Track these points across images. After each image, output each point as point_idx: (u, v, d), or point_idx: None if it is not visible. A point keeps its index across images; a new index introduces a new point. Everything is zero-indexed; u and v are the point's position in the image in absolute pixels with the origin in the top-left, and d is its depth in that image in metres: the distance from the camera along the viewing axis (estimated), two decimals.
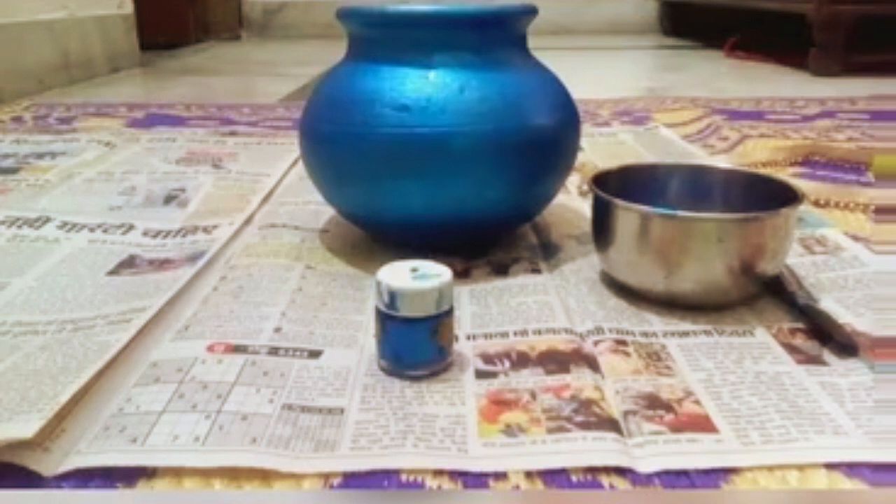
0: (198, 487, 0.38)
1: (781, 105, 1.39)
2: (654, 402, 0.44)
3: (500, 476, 0.38)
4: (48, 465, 0.39)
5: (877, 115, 1.27)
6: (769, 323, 0.53)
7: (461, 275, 0.62)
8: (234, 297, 0.57)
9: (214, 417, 0.42)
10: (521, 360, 0.49)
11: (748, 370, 0.47)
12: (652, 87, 1.74)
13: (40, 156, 1.04)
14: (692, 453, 0.39)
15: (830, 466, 0.38)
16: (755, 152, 1.00)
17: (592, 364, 0.48)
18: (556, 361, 0.48)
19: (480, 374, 0.47)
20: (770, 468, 0.38)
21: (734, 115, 1.27)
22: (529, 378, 0.46)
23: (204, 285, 0.60)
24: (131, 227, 0.74)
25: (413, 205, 0.60)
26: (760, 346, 0.50)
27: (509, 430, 0.41)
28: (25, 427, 0.39)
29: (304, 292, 0.59)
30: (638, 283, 0.57)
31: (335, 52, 0.72)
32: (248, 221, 0.76)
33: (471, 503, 0.37)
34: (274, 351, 0.50)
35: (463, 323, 0.54)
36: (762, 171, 0.87)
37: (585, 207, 0.75)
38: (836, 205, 0.78)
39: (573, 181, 0.86)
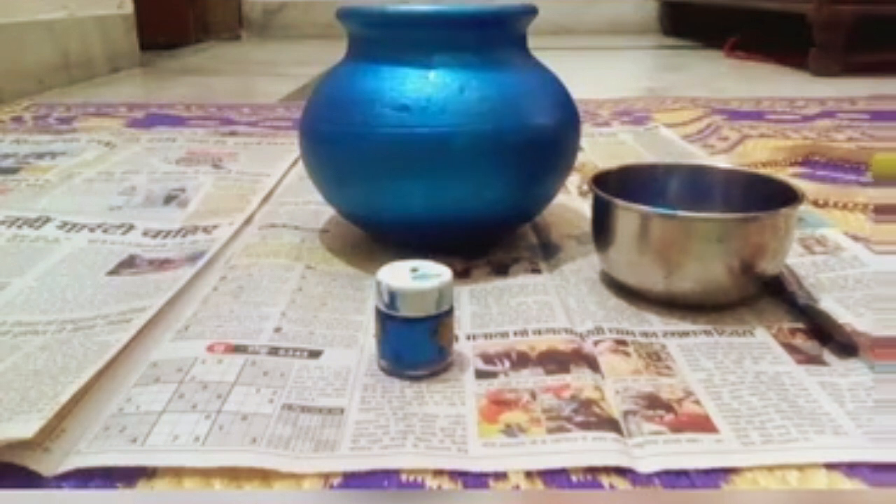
0: (198, 487, 0.38)
1: (781, 105, 1.39)
2: (654, 402, 0.44)
3: (500, 476, 0.38)
4: (48, 465, 0.39)
5: (877, 115, 1.27)
6: (769, 323, 0.53)
7: (461, 275, 0.62)
8: (234, 297, 0.57)
9: (214, 417, 0.42)
10: (521, 360, 0.49)
11: (748, 370, 0.47)
12: (652, 87, 1.74)
13: (40, 156, 1.04)
14: (692, 453, 0.39)
15: (830, 466, 0.38)
16: (755, 152, 1.00)
17: (592, 364, 0.48)
18: (556, 361, 0.48)
19: (480, 374, 0.47)
20: (770, 468, 0.38)
21: (734, 115, 1.27)
22: (529, 378, 0.46)
23: (204, 285, 0.60)
24: (131, 227, 0.74)
25: (413, 205, 0.60)
26: (760, 346, 0.50)
27: (509, 430, 0.41)
28: (25, 427, 0.39)
29: (304, 292, 0.59)
30: (638, 283, 0.57)
31: (335, 52, 0.72)
32: (248, 221, 0.76)
33: (471, 503, 0.37)
34: (274, 351, 0.50)
35: (463, 323, 0.54)
36: (762, 171, 0.87)
37: (585, 207, 0.75)
38: (836, 205, 0.78)
39: (573, 181, 0.86)
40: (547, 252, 0.67)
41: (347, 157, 0.60)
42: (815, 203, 0.78)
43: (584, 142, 1.03)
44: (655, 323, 0.54)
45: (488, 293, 0.59)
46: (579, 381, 0.46)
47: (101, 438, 0.41)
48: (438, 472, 0.38)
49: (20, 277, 0.62)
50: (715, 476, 0.38)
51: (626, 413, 0.43)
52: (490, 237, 0.68)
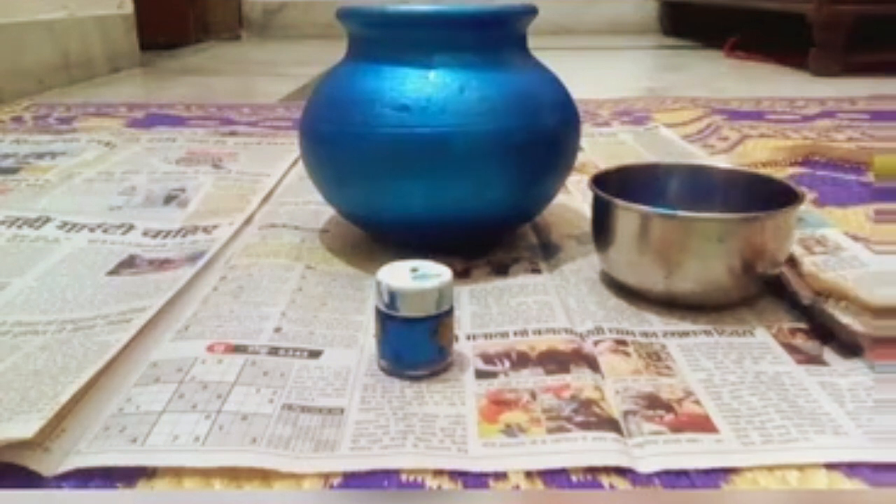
0: (198, 487, 0.38)
1: (781, 105, 1.39)
2: (654, 402, 0.44)
3: (500, 476, 0.38)
4: (48, 465, 0.39)
5: (877, 115, 1.27)
6: (769, 323, 0.53)
7: (461, 275, 0.62)
8: (234, 297, 0.57)
9: (214, 417, 0.42)
10: (521, 360, 0.49)
11: (748, 370, 0.47)
12: (652, 87, 1.74)
13: (40, 156, 1.04)
14: (692, 453, 0.39)
15: (830, 466, 0.38)
16: (755, 152, 1.00)
17: (592, 364, 0.48)
18: (556, 361, 0.48)
19: (480, 374, 0.47)
20: (770, 468, 0.38)
21: (734, 115, 1.27)
22: (529, 378, 0.46)
23: (204, 285, 0.60)
24: (131, 227, 0.74)
25: (413, 205, 0.60)
26: (760, 346, 0.50)
27: (509, 430, 0.41)
28: (25, 427, 0.39)
29: (304, 292, 0.59)
30: (638, 283, 0.57)
31: (335, 52, 0.72)
32: (248, 221, 0.76)
33: (471, 503, 0.37)
34: (274, 351, 0.50)
35: (463, 323, 0.54)
36: (762, 171, 0.87)
37: (585, 207, 0.75)
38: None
39: (573, 181, 0.86)
40: (547, 252, 0.67)
41: (347, 157, 0.60)
42: (815, 203, 0.78)
43: (584, 142, 1.03)
44: (655, 323, 0.54)
45: (488, 293, 0.59)
46: (579, 381, 0.46)
47: (101, 438, 0.41)
48: (438, 472, 0.38)
49: (20, 277, 0.62)
50: (715, 476, 0.38)
51: (626, 413, 0.43)
52: (490, 237, 0.68)
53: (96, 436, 0.41)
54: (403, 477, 0.38)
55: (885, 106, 1.36)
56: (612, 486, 0.37)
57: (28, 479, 0.38)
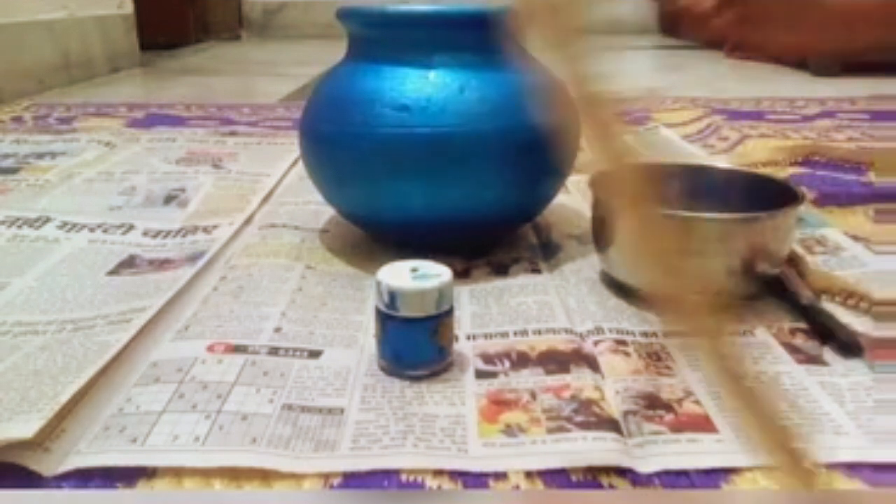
0: (198, 487, 0.38)
1: (781, 105, 1.39)
2: (654, 402, 0.44)
3: (500, 476, 0.38)
4: (48, 465, 0.39)
5: (877, 115, 1.27)
6: (769, 323, 0.53)
7: (461, 275, 0.62)
8: (234, 297, 0.57)
9: (214, 417, 0.42)
10: (521, 360, 0.49)
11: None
12: (652, 88, 1.74)
13: (40, 156, 1.04)
14: (692, 453, 0.39)
15: (830, 466, 0.38)
16: (755, 152, 1.00)
17: (592, 364, 0.48)
18: (556, 361, 0.48)
19: (480, 374, 0.47)
20: (770, 468, 0.38)
21: (734, 115, 1.27)
22: (529, 378, 0.46)
23: (204, 285, 0.60)
24: (131, 227, 0.74)
25: (413, 205, 0.60)
26: (760, 345, 0.50)
27: (509, 430, 0.41)
28: (25, 427, 0.39)
29: (304, 292, 0.59)
30: (638, 283, 0.57)
31: (335, 52, 0.71)
32: (248, 221, 0.76)
33: (471, 503, 0.37)
34: (274, 351, 0.50)
35: (463, 323, 0.54)
36: (762, 171, 0.87)
37: (585, 207, 0.75)
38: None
39: (573, 181, 0.86)
40: (547, 252, 0.67)
41: (347, 157, 0.60)
42: (815, 203, 0.78)
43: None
44: (655, 323, 0.54)
45: (488, 293, 0.59)
46: (579, 381, 0.46)
47: (101, 438, 0.41)
48: (438, 472, 0.38)
49: (20, 277, 0.62)
50: (715, 476, 0.38)
51: (626, 413, 0.43)
52: (490, 237, 0.68)
53: (96, 436, 0.41)
54: (403, 477, 0.38)
55: (885, 106, 1.36)
56: (611, 486, 0.37)
57: (28, 479, 0.38)
